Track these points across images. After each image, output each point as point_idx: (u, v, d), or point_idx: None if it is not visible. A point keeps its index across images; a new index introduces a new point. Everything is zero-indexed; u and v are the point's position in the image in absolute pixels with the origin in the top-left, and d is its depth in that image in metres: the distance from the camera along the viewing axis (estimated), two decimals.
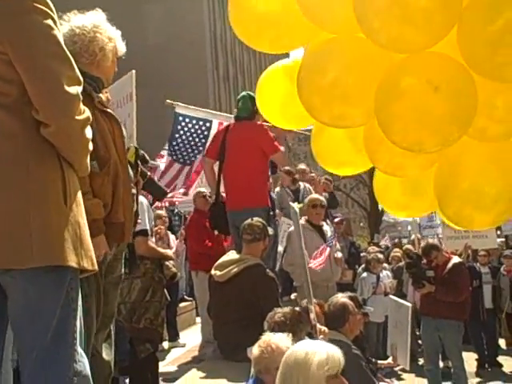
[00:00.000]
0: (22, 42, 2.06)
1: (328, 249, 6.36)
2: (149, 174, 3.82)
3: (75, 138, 2.15)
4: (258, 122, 6.25)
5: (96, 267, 2.25)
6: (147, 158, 5.59)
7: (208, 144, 6.83)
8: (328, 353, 2.67)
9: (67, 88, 2.08)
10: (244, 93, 6.58)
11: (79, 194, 2.24)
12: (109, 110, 3.24)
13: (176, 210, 10.94)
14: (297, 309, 4.23)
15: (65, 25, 3.16)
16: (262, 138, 6.10)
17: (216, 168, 6.39)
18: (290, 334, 3.50)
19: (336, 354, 2.68)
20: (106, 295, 3.33)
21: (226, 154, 6.20)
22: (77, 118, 2.12)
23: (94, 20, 3.21)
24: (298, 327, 3.95)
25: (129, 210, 3.19)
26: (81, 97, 2.15)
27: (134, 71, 4.50)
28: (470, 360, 8.95)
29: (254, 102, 6.23)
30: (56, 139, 2.11)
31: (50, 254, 2.04)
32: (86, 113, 2.19)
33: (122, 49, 3.32)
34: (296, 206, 4.37)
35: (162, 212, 8.94)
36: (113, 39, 3.25)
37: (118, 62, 3.37)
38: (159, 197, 4.17)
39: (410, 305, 6.15)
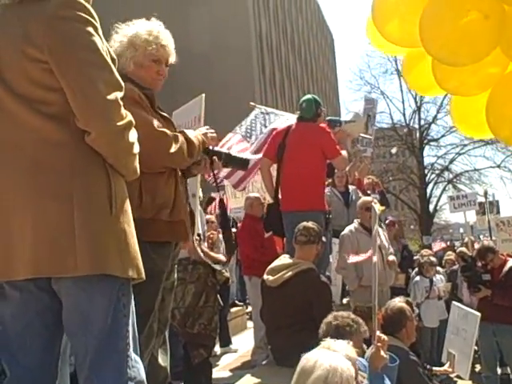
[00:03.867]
0: (61, 49, 2.07)
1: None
2: (224, 151, 3.83)
3: (117, 144, 2.15)
4: (321, 125, 6.28)
5: (143, 275, 2.23)
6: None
7: (266, 145, 6.86)
8: (329, 369, 2.65)
9: (105, 94, 2.08)
10: (309, 95, 6.66)
11: (126, 201, 2.24)
12: (165, 115, 3.31)
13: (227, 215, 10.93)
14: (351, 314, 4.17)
15: (118, 35, 3.26)
16: (323, 140, 6.10)
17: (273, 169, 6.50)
18: (351, 342, 3.45)
19: (339, 370, 2.66)
20: (162, 301, 3.35)
21: (286, 155, 6.24)
22: (117, 124, 2.11)
23: (125, 31, 3.26)
24: (354, 331, 3.90)
25: (186, 211, 3.25)
26: (121, 102, 2.14)
27: (203, 95, 4.56)
28: None
29: (318, 105, 6.36)
30: (98, 146, 2.11)
31: (94, 263, 2.05)
32: (128, 117, 2.18)
33: (155, 52, 3.26)
34: (378, 207, 4.32)
35: (212, 217, 8.95)
36: (141, 45, 3.23)
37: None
38: (243, 167, 4.11)
39: (478, 314, 5.93)
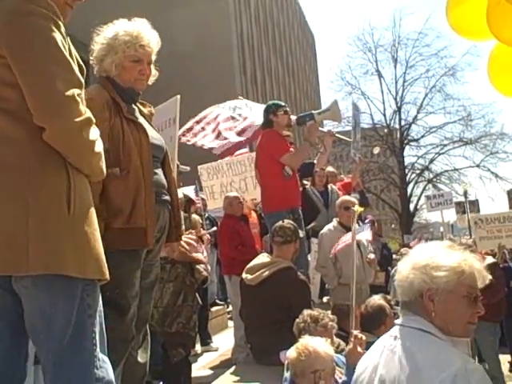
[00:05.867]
0: (18, 44, 2.04)
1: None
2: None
3: (73, 141, 2.10)
4: (269, 129, 6.46)
5: (107, 276, 2.20)
6: (177, 162, 5.63)
7: None
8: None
9: (61, 90, 2.04)
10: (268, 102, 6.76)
11: (88, 202, 2.20)
12: (138, 121, 3.30)
13: (206, 215, 10.95)
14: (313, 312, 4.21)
15: (99, 37, 3.29)
16: (268, 142, 6.34)
17: None
18: (329, 340, 3.49)
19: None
20: (139, 300, 3.34)
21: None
22: (73, 120, 2.07)
23: (105, 33, 3.30)
24: (307, 327, 3.95)
25: (151, 216, 3.19)
26: (78, 99, 2.10)
27: (178, 96, 4.54)
28: (507, 363, 8.77)
29: (270, 110, 6.49)
30: (54, 143, 2.07)
31: (47, 262, 2.02)
32: (87, 114, 2.14)
33: (134, 52, 3.29)
34: (357, 208, 4.42)
35: (197, 217, 8.96)
36: (120, 48, 3.26)
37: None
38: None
39: None
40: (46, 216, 2.04)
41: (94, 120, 2.20)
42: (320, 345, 3.37)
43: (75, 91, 2.10)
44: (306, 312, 4.14)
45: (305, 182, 8.36)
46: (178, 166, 5.27)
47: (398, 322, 2.46)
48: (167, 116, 4.58)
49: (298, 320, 4.10)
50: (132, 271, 3.20)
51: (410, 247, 16.45)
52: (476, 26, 4.27)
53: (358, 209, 4.87)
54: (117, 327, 3.01)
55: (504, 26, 3.94)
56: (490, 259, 7.60)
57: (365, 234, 6.24)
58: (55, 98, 2.04)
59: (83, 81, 2.18)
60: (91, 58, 3.34)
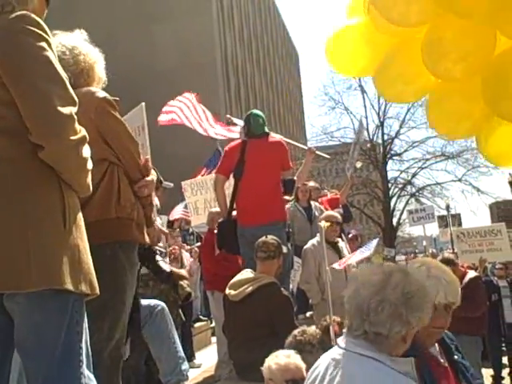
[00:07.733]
0: (12, 63, 2.06)
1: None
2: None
3: (70, 160, 2.14)
4: (277, 139, 6.41)
5: (97, 291, 2.22)
6: (161, 178, 5.63)
7: (219, 162, 6.80)
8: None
9: (59, 108, 2.06)
10: (253, 111, 6.68)
11: (79, 217, 2.23)
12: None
13: (191, 230, 10.95)
14: (318, 331, 4.21)
15: (82, 46, 3.27)
16: (282, 153, 6.26)
17: (227, 185, 6.53)
18: (299, 355, 3.53)
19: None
20: None
21: (246, 170, 6.21)
22: (71, 138, 2.10)
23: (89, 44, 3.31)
24: (315, 351, 3.92)
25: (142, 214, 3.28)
26: (75, 117, 2.13)
27: (143, 104, 4.53)
28: (488, 376, 8.80)
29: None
30: (50, 160, 2.10)
31: (48, 277, 2.02)
32: (82, 132, 2.17)
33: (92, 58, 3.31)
34: (324, 224, 4.56)
35: (175, 232, 8.98)
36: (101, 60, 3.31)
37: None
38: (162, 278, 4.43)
39: None
40: (45, 231, 2.06)
41: (88, 138, 2.22)
42: (287, 357, 3.47)
43: (72, 109, 2.12)
44: (316, 332, 4.13)
45: (287, 198, 8.40)
46: (161, 182, 5.28)
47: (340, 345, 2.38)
48: (135, 124, 4.59)
49: (299, 338, 4.07)
50: (133, 280, 3.23)
51: (395, 261, 16.52)
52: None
53: (324, 224, 4.98)
54: (114, 338, 3.05)
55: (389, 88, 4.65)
56: (472, 273, 7.64)
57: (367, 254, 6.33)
58: (53, 117, 2.06)
59: (76, 99, 2.20)
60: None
